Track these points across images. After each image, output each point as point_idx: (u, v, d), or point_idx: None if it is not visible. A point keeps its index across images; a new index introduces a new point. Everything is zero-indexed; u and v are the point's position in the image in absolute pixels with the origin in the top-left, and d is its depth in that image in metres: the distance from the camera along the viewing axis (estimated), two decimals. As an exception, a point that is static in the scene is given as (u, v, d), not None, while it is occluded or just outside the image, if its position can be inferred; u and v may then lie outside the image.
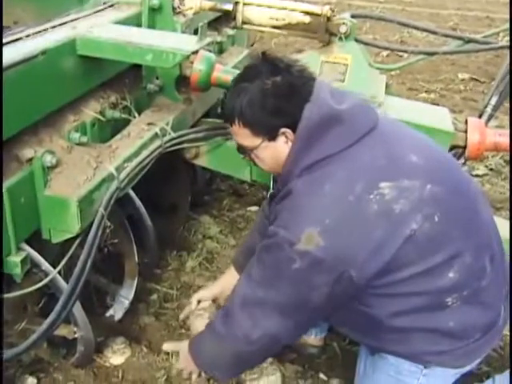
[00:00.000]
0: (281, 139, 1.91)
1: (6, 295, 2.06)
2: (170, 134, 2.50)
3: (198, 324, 2.46)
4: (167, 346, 2.39)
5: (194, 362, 2.13)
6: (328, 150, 1.83)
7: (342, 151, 1.83)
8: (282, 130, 1.88)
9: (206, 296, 2.49)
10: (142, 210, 2.64)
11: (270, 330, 1.91)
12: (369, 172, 1.81)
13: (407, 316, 1.88)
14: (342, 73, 2.87)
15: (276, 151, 1.94)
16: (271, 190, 2.21)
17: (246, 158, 2.11)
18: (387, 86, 3.03)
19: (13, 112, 1.90)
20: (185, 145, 2.61)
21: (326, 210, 1.77)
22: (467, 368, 2.02)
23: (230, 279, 2.51)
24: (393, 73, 6.75)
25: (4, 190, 1.87)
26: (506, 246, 2.13)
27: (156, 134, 2.43)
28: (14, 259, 2.00)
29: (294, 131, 1.87)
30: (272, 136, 1.91)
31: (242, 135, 1.96)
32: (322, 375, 2.68)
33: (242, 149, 2.03)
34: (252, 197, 4.19)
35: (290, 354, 2.74)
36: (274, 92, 1.85)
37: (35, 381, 2.51)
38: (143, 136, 2.41)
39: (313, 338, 2.73)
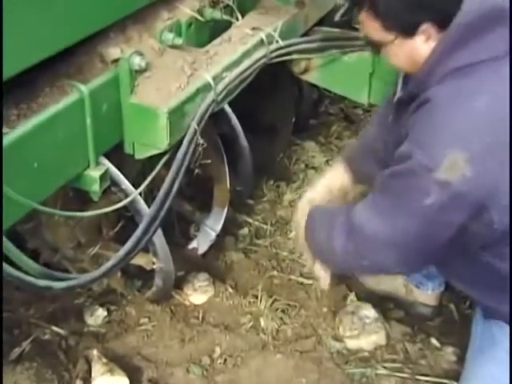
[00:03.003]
0: (420, 37, 1.70)
1: (81, 214, 2.04)
2: (277, 41, 2.35)
3: None
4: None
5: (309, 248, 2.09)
6: (486, 52, 1.63)
7: (503, 57, 1.62)
8: (424, 26, 1.67)
9: (316, 200, 2.28)
10: (239, 128, 2.53)
11: (380, 263, 1.83)
12: None
13: None
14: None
15: (412, 50, 1.74)
16: (398, 94, 1.95)
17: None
18: None
19: (98, 4, 1.79)
20: (294, 56, 2.46)
21: (478, 131, 1.58)
22: None
23: (336, 178, 2.34)
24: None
25: (86, 93, 1.78)
26: None
27: (261, 40, 2.29)
28: (93, 174, 1.90)
29: (439, 28, 1.66)
30: (409, 33, 1.70)
31: (371, 28, 1.77)
32: (434, 340, 2.48)
33: (369, 41, 1.85)
34: (366, 124, 3.94)
35: (397, 310, 2.59)
36: None
37: (105, 313, 2.51)
38: (246, 42, 2.27)
39: (427, 295, 2.53)
